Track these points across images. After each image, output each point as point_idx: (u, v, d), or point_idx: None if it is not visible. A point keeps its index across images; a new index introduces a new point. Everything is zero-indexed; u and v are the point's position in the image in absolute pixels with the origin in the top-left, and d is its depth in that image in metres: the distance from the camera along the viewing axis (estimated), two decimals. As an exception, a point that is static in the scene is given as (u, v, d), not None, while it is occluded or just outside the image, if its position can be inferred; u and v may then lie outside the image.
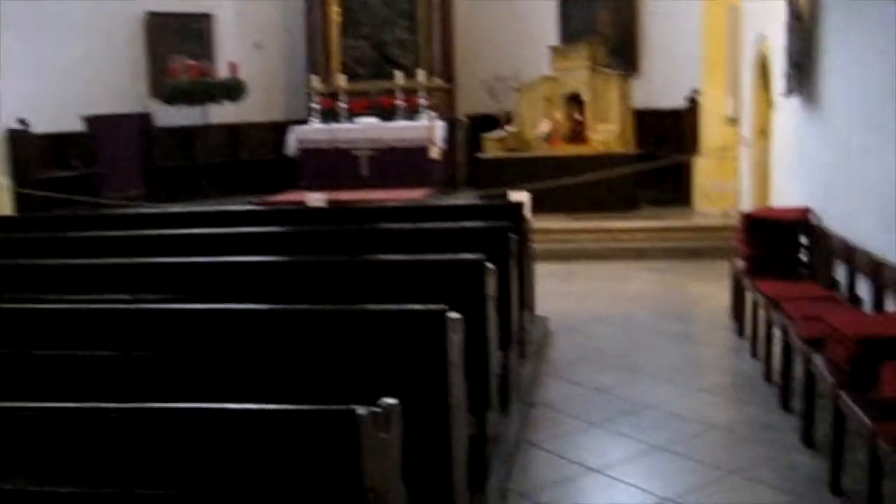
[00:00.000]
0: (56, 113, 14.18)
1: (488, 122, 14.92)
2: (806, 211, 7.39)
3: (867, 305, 5.80)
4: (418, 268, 4.74)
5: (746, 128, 10.86)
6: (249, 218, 7.24)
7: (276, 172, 16.51)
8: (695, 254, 10.93)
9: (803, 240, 7.34)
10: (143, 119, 14.33)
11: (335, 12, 16.52)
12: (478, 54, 16.81)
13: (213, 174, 16.55)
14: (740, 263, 7.52)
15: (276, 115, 17.44)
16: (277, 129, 16.62)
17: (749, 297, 7.07)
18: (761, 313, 6.59)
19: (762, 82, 9.99)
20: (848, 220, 6.49)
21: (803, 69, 7.72)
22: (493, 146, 13.11)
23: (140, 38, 16.41)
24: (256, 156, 17.20)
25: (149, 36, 16.44)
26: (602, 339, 7.53)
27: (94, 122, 13.94)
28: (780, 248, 7.25)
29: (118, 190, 13.73)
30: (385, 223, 6.32)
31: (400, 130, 15.04)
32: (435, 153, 13.06)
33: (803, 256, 7.34)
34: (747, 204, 10.76)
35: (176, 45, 16.74)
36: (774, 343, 6.20)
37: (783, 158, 8.97)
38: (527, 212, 11.52)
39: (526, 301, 6.50)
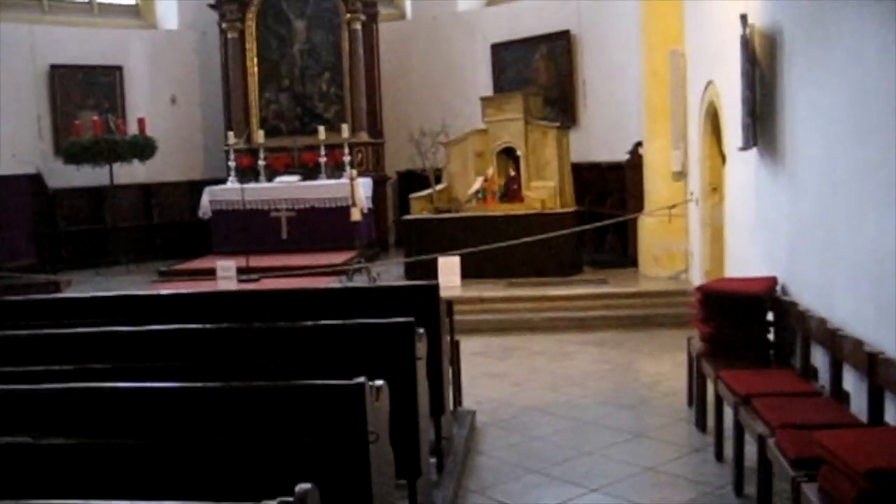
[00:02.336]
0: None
1: (421, 179, 13.85)
2: (772, 282, 6.36)
3: (858, 407, 4.74)
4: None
5: (696, 183, 9.90)
6: (140, 306, 5.99)
7: (193, 235, 15.30)
8: (644, 323, 9.88)
9: (770, 316, 6.30)
10: (34, 180, 13.00)
11: (254, 64, 15.43)
12: (409, 107, 15.86)
13: (124, 238, 15.28)
14: (698, 344, 6.45)
15: (193, 174, 16.27)
16: (195, 189, 15.45)
17: (710, 385, 5.99)
18: (726, 408, 5.50)
19: (712, 133, 9.05)
20: (824, 295, 5.46)
21: (763, 120, 6.75)
22: (420, 206, 12.02)
23: (44, 93, 15.17)
24: (171, 218, 16.00)
25: (53, 90, 15.21)
26: (541, 439, 6.37)
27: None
28: (743, 326, 6.18)
29: (7, 258, 12.34)
30: (264, 320, 5.12)
31: (321, 189, 13.96)
32: (356, 215, 11.91)
33: (770, 336, 6.29)
34: (699, 267, 9.77)
35: (83, 100, 15.53)
36: (744, 443, 5.12)
37: (739, 218, 7.97)
38: (450, 285, 10.53)
39: (444, 406, 5.33)
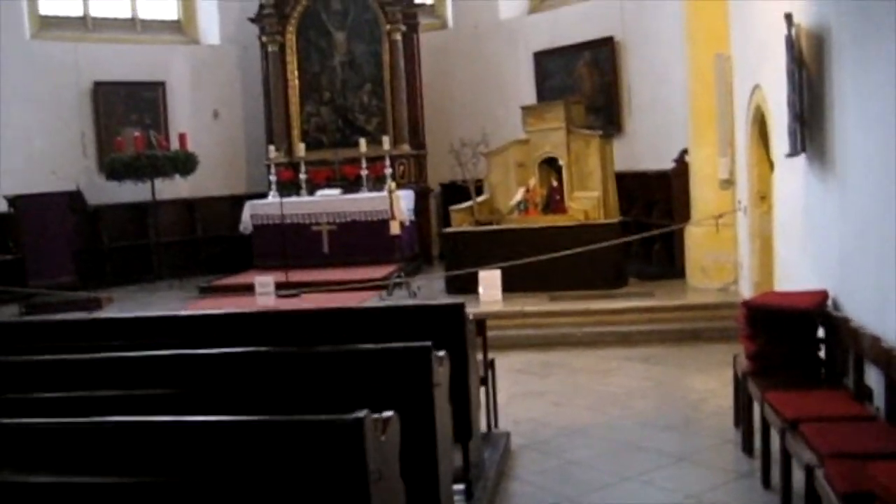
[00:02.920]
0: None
1: (463, 191, 13.58)
2: (822, 297, 6.00)
3: (917, 432, 4.38)
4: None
5: (744, 192, 9.52)
6: (161, 327, 5.80)
7: (236, 250, 15.19)
8: (691, 337, 9.51)
9: (820, 332, 5.93)
10: (74, 197, 12.97)
11: (294, 77, 15.31)
12: (451, 118, 15.63)
13: (167, 254, 15.26)
14: (744, 362, 6.10)
15: (236, 189, 16.18)
16: (237, 204, 15.34)
17: (757, 407, 5.64)
18: (773, 432, 5.16)
19: (760, 140, 8.68)
20: (878, 311, 5.10)
21: (810, 124, 6.40)
22: (461, 218, 11.76)
23: (88, 110, 15.20)
24: (214, 232, 15.91)
25: (97, 107, 15.23)
26: (579, 463, 6.06)
27: (18, 202, 12.58)
28: (792, 344, 5.83)
29: (47, 276, 12.33)
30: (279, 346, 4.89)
31: (361, 203, 13.76)
32: (396, 228, 11.68)
33: (821, 354, 5.93)
34: (748, 279, 9.39)
35: (126, 116, 15.53)
36: (792, 470, 4.78)
37: (788, 229, 7.60)
38: (491, 299, 10.24)
39: (471, 431, 5.05)
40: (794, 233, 7.32)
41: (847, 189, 5.70)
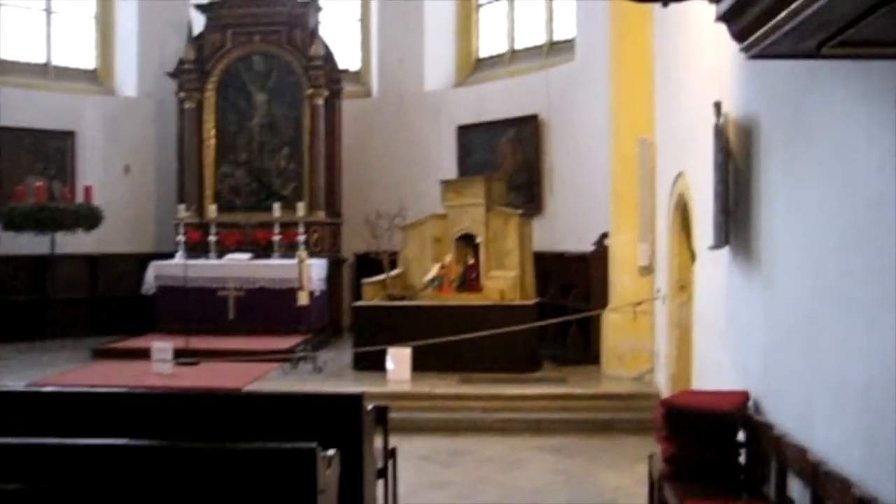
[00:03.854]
0: None
1: (378, 263, 13.16)
2: (744, 398, 5.70)
3: (845, 557, 4.04)
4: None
5: (663, 280, 9.29)
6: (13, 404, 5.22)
7: (140, 311, 14.45)
8: (604, 428, 9.17)
9: (742, 436, 5.62)
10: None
11: (211, 136, 14.82)
12: (370, 188, 15.28)
13: (66, 311, 14.47)
14: (660, 463, 5.75)
15: (143, 247, 15.51)
16: (145, 263, 14.64)
17: (673, 514, 5.27)
18: (691, 544, 4.79)
19: (682, 228, 8.47)
20: (804, 418, 4.80)
21: (736, 217, 6.16)
22: (372, 292, 11.32)
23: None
24: (118, 292, 15.16)
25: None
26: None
27: None
28: (711, 448, 5.49)
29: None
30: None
31: (271, 269, 13.24)
32: (304, 298, 11.20)
33: (742, 459, 5.61)
34: (665, 370, 9.11)
35: (31, 164, 14.83)
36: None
37: (709, 322, 7.34)
38: (400, 378, 9.76)
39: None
40: (715, 327, 7.05)
41: (773, 288, 5.43)
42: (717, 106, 6.27)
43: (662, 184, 9.47)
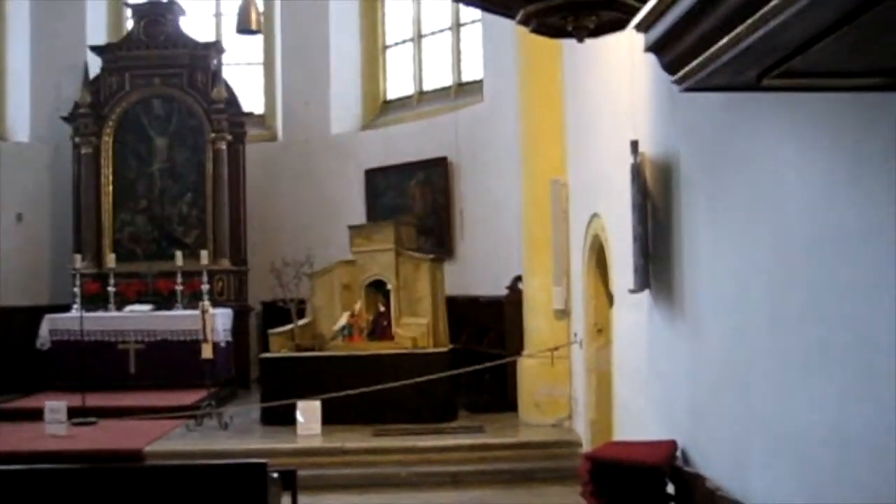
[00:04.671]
0: None
1: (285, 312, 12.71)
2: (671, 448, 5.46)
3: None
4: None
5: (580, 324, 9.08)
6: None
7: (35, 367, 13.63)
8: (524, 478, 8.87)
9: (671, 488, 5.37)
10: None
11: (109, 182, 14.21)
12: (277, 234, 14.84)
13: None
14: (587, 523, 5.46)
15: (37, 299, 14.70)
16: (38, 315, 13.84)
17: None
18: None
19: (598, 270, 8.28)
20: (737, 468, 4.57)
21: (655, 260, 5.97)
22: (280, 343, 10.87)
23: None
24: (13, 346, 14.28)
25: None
26: None
27: None
28: (640, 503, 5.24)
29: None
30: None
31: (173, 321, 12.67)
32: (208, 351, 10.69)
33: (672, 513, 5.35)
34: (583, 416, 8.87)
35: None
36: None
37: (629, 368, 7.12)
38: (310, 433, 9.28)
39: None
40: (636, 373, 6.83)
41: (699, 333, 5.22)
42: (634, 144, 6.10)
43: (576, 225, 9.29)
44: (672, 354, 5.78)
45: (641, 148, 6.11)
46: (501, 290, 11.32)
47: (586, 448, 8.49)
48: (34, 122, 15.22)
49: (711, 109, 4.81)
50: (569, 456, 8.95)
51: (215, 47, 14.43)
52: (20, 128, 15.30)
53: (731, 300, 4.69)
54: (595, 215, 8.15)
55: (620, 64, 6.82)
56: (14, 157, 14.99)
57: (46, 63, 15.09)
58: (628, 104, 6.64)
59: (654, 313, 6.18)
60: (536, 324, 10.17)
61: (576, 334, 9.32)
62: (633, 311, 6.78)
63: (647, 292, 6.18)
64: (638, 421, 6.70)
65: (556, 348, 9.52)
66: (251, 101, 15.53)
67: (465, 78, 14.08)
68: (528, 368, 10.17)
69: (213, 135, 14.05)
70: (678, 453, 5.45)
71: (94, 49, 14.48)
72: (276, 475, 4.53)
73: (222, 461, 4.64)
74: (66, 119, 14.38)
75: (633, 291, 6.27)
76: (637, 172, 6.05)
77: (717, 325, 4.93)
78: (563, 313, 9.80)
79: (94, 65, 14.49)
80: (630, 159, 6.15)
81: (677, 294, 5.61)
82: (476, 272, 12.66)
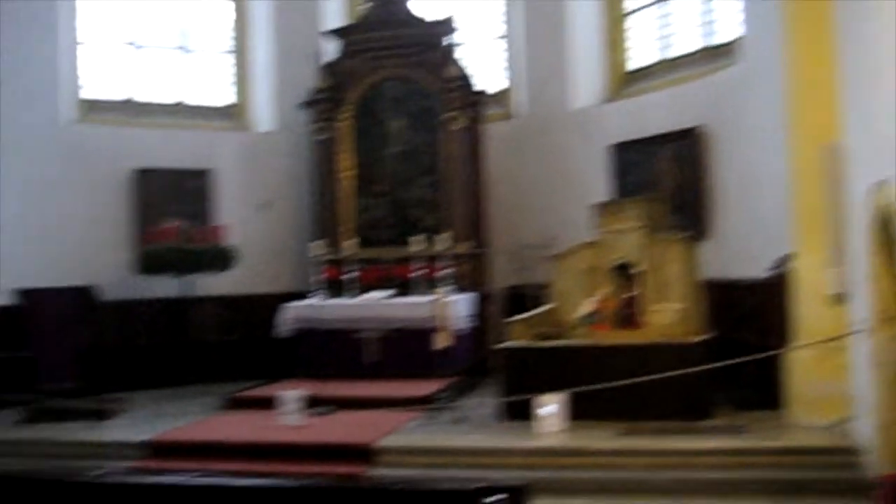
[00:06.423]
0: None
1: (527, 298, 12.01)
2: None
3: None
4: None
5: (862, 311, 7.75)
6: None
7: (277, 355, 13.64)
8: (792, 490, 7.67)
9: None
10: (82, 293, 11.72)
11: (347, 168, 14.03)
12: (518, 215, 14.17)
13: (205, 355, 13.94)
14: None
15: (283, 286, 14.74)
16: (282, 302, 13.85)
17: None
18: None
19: (885, 247, 6.97)
20: None
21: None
22: (519, 331, 10.12)
23: (126, 199, 14.13)
24: (255, 333, 14.39)
25: (136, 196, 14.13)
26: None
27: (27, 296, 11.42)
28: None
29: (57, 377, 11.08)
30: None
31: (409, 308, 12.24)
32: (444, 340, 10.12)
33: None
34: (869, 419, 7.55)
35: (166, 205, 14.31)
36: None
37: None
38: (551, 431, 8.48)
39: None
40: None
41: None
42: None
43: (856, 196, 7.95)
44: None
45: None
46: (762, 272, 10.05)
47: (871, 457, 7.22)
48: (277, 112, 15.33)
49: None
50: (847, 465, 7.71)
51: (447, 26, 13.89)
52: (263, 117, 15.46)
53: None
54: (882, 183, 6.85)
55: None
56: (258, 147, 15.19)
57: (288, 52, 15.16)
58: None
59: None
60: (808, 310, 8.87)
61: (859, 322, 7.97)
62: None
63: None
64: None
65: (835, 338, 8.21)
66: (487, 78, 14.88)
67: (718, 40, 12.79)
68: (800, 361, 8.89)
69: (449, 114, 13.55)
70: None
71: (330, 33, 14.37)
72: (500, 498, 3.76)
73: (430, 487, 3.87)
74: (304, 106, 14.33)
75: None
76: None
77: None
78: (841, 298, 8.46)
79: (328, 53, 14.40)
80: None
81: None
82: (734, 252, 11.41)
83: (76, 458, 9.25)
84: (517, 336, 10.12)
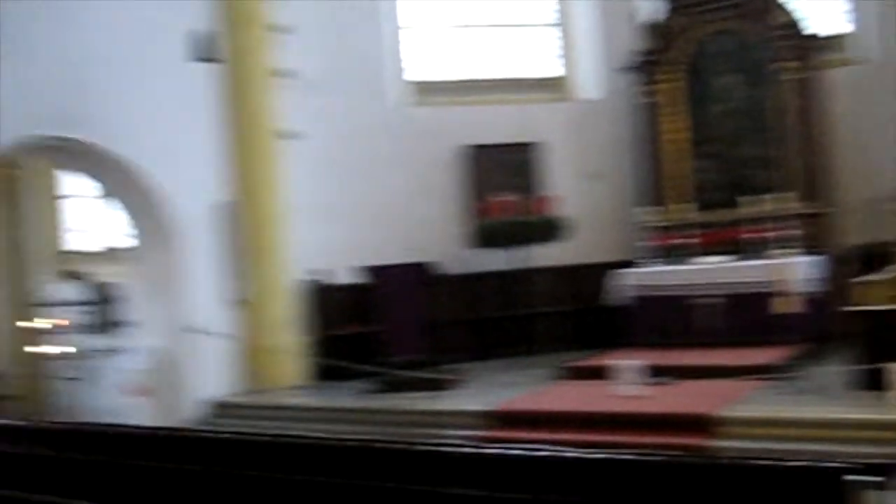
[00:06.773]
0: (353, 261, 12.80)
1: (882, 257, 10.97)
2: None
3: None
4: None
5: None
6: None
7: (613, 323, 13.47)
8: None
9: None
10: (423, 269, 12.17)
11: (677, 129, 13.51)
12: (865, 168, 12.95)
13: (538, 326, 14.19)
14: None
15: (618, 254, 14.49)
16: (612, 270, 13.64)
17: None
18: None
19: None
20: None
21: None
22: (873, 294, 9.18)
23: (457, 175, 14.56)
24: (591, 303, 14.31)
25: (467, 172, 14.52)
26: None
27: (375, 273, 12.09)
28: None
29: (402, 351, 11.66)
30: None
31: (748, 272, 11.61)
32: (784, 305, 9.45)
33: None
34: None
35: (495, 179, 14.57)
36: None
37: None
38: None
39: None
40: None
41: None
42: None
43: None
44: None
45: None
46: None
47: None
48: (604, 79, 15.12)
49: None
50: None
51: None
52: (588, 86, 15.32)
53: None
54: None
55: None
56: (585, 116, 15.08)
57: (609, 18, 14.99)
58: None
59: None
60: None
61: None
62: None
63: None
64: None
65: None
66: (823, 23, 13.71)
67: None
68: None
69: (780, 64, 12.66)
70: None
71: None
72: (859, 479, 3.35)
73: (789, 461, 3.48)
74: (629, 69, 13.99)
75: None
76: None
77: None
78: None
79: (651, 13, 13.98)
80: None
81: None
82: None
83: (422, 426, 9.64)
84: (873, 299, 9.21)
